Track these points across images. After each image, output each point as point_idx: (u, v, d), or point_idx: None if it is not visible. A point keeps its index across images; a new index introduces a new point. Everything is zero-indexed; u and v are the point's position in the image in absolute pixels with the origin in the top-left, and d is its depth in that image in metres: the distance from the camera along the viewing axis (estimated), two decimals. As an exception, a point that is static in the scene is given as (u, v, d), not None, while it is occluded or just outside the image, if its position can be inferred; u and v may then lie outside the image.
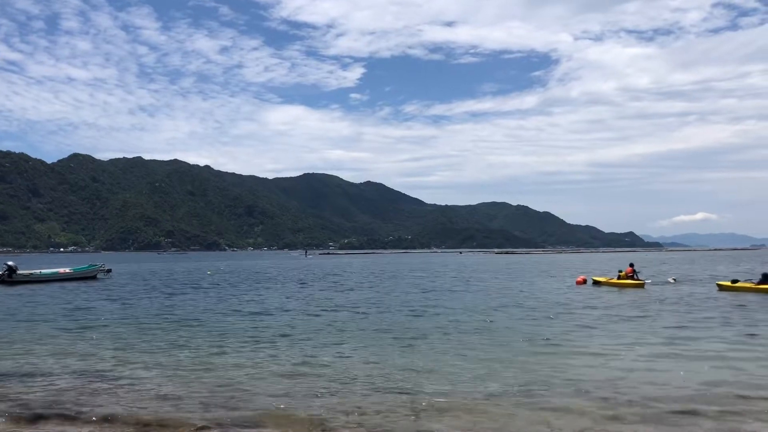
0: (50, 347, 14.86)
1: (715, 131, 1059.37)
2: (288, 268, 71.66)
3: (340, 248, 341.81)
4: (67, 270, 46.50)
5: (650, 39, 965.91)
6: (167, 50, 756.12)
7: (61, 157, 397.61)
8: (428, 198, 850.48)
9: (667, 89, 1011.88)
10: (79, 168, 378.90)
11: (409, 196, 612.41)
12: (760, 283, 28.45)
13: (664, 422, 8.47)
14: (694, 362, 12.38)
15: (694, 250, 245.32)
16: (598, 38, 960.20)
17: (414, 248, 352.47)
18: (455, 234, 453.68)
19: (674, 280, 34.95)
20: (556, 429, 8.26)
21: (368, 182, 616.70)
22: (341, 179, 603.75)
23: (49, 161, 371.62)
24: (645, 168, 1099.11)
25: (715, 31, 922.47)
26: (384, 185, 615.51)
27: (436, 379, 11.07)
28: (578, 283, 35.92)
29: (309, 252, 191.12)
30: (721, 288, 30.02)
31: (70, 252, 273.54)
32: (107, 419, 8.85)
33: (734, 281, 30.41)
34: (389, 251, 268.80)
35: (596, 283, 34.95)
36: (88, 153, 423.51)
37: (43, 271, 45.73)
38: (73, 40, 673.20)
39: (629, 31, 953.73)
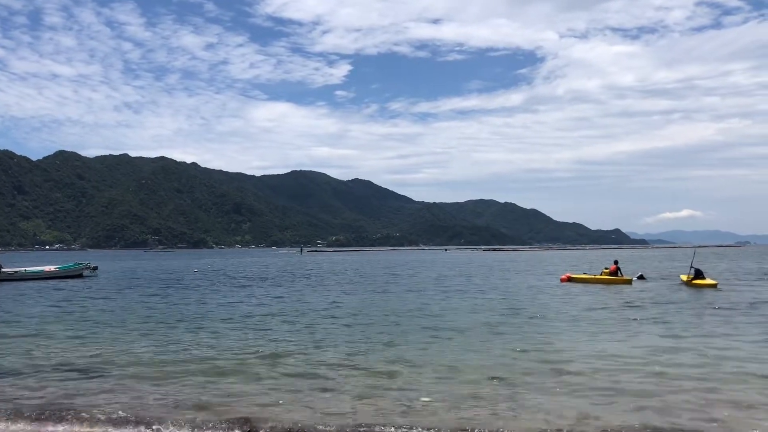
0: (34, 346, 14.90)
1: (699, 129, 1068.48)
2: (287, 266, 71.54)
3: (328, 246, 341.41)
4: (53, 268, 46.24)
5: (635, 37, 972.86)
6: (152, 46, 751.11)
7: (46, 154, 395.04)
8: (416, 195, 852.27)
9: (652, 87, 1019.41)
10: (64, 165, 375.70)
11: (396, 194, 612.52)
12: (694, 278, 31.25)
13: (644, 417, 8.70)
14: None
15: (680, 247, 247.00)
16: (583, 36, 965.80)
17: (402, 245, 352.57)
18: (443, 231, 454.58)
19: (640, 277, 35.63)
20: (544, 423, 8.43)
21: (356, 179, 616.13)
22: (329, 176, 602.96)
23: (34, 158, 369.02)
24: (630, 165, 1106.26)
25: (699, 29, 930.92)
26: (372, 182, 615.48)
27: (422, 376, 11.23)
28: (562, 280, 36.17)
29: (304, 249, 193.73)
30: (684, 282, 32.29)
31: (56, 250, 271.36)
32: (101, 420, 8.96)
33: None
34: (377, 248, 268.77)
35: (580, 280, 35.17)
36: (73, 150, 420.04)
37: (29, 269, 45.49)
38: (57, 36, 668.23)
39: (614, 29, 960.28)
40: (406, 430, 8.24)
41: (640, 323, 17.85)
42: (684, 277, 32.77)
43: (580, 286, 32.68)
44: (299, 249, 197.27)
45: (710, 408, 9.00)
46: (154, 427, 8.51)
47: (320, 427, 8.40)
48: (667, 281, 35.77)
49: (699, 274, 31.43)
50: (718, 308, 21.39)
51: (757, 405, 9.16)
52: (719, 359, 12.45)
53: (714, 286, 30.11)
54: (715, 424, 8.29)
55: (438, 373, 11.41)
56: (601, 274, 34.56)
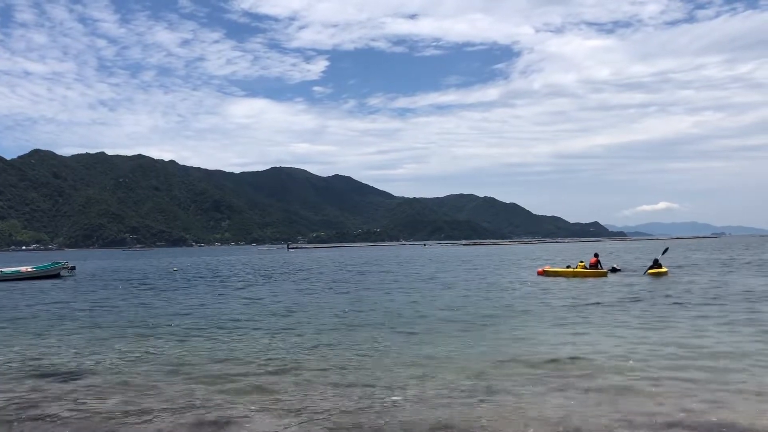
0: (8, 348, 14.81)
1: (674, 122, 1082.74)
2: (281, 263, 71.24)
3: (309, 242, 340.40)
4: (30, 268, 45.75)
5: (610, 31, 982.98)
6: (126, 43, 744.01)
7: (21, 153, 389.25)
8: (396, 191, 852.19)
9: (627, 81, 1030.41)
10: (40, 164, 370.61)
11: (377, 189, 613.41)
12: (651, 267, 34.28)
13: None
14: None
15: (657, 239, 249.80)
16: (559, 30, 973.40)
17: (383, 241, 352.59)
18: (423, 226, 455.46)
19: (614, 269, 36.34)
20: (522, 418, 8.51)
21: (336, 175, 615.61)
22: (309, 173, 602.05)
23: (8, 157, 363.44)
24: (608, 159, 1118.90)
25: (673, 23, 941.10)
26: (352, 178, 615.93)
27: (397, 372, 11.25)
28: (539, 273, 36.53)
29: (291, 246, 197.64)
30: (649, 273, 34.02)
31: (33, 250, 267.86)
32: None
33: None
34: (358, 244, 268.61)
35: (556, 273, 35.48)
36: (48, 149, 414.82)
37: (4, 270, 44.92)
38: (29, 33, 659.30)
39: (589, 24, 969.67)
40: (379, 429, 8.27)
41: (612, 315, 18.03)
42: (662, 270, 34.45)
43: (556, 279, 32.99)
44: (286, 246, 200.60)
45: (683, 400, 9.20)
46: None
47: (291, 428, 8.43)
48: (638, 272, 36.44)
49: (657, 264, 34.43)
50: (682, 302, 21.74)
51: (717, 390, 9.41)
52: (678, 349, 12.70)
53: (665, 273, 33.28)
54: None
55: (408, 371, 11.37)
56: (576, 267, 34.93)
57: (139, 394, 10.21)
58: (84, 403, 9.76)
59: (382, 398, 9.60)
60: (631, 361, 11.69)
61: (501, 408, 8.95)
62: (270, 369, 11.85)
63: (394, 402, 9.38)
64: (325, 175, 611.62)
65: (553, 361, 11.91)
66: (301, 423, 8.53)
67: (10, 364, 12.91)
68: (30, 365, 12.77)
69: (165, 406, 9.46)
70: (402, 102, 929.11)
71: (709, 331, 14.97)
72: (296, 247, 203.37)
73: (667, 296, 23.07)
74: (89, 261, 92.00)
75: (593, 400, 9.20)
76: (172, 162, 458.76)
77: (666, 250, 44.52)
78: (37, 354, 13.99)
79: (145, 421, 8.77)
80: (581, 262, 35.83)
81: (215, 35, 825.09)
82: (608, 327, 16.03)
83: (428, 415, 8.66)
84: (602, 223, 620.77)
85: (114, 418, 8.94)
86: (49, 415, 9.19)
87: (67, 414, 9.23)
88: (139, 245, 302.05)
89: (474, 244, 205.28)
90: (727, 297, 22.44)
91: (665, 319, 17.22)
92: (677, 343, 13.43)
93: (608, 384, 10.09)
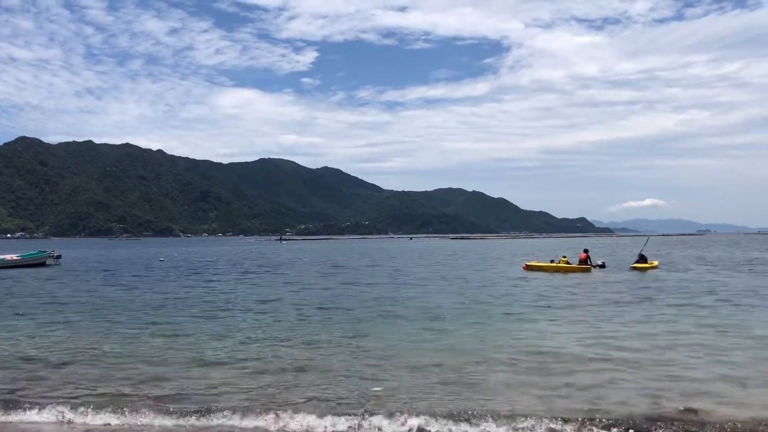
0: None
1: (661, 119, 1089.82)
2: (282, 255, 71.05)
3: (297, 234, 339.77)
4: (15, 257, 45.59)
5: (599, 28, 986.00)
6: (114, 31, 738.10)
7: (6, 140, 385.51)
8: (384, 184, 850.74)
9: (615, 78, 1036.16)
10: (26, 151, 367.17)
11: (366, 182, 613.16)
12: (637, 262, 36.14)
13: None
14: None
15: (643, 236, 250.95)
16: (548, 26, 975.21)
17: (371, 234, 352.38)
18: (412, 220, 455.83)
19: (601, 265, 36.72)
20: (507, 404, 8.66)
21: (325, 167, 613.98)
22: (298, 164, 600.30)
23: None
24: (595, 155, 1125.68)
25: (662, 21, 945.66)
26: (341, 171, 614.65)
27: (383, 367, 11.39)
28: (524, 268, 36.87)
29: (284, 238, 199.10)
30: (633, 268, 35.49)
31: (18, 238, 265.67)
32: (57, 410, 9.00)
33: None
34: (346, 237, 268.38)
35: (539, 268, 35.80)
36: (35, 136, 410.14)
37: (-11, 258, 44.74)
38: (14, 19, 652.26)
39: (579, 20, 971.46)
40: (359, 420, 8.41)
41: (591, 311, 18.26)
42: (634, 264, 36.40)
43: (539, 274, 33.30)
44: (278, 238, 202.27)
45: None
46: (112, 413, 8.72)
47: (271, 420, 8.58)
48: (622, 268, 36.92)
49: (642, 259, 36.24)
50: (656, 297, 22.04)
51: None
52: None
53: (652, 267, 35.65)
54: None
55: (389, 363, 11.51)
56: (559, 262, 35.30)
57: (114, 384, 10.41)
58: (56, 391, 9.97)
59: (363, 390, 9.75)
60: (615, 353, 11.94)
61: (486, 401, 9.11)
62: (248, 362, 11.95)
63: (375, 394, 9.52)
64: (313, 167, 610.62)
65: (533, 355, 12.08)
66: (285, 414, 8.66)
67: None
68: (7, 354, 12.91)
69: (145, 397, 9.64)
70: (391, 95, 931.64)
71: (684, 328, 15.28)
72: (287, 239, 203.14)
73: (646, 296, 23.25)
74: (75, 250, 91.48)
75: (571, 393, 9.44)
76: (159, 151, 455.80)
77: (647, 240, 47.40)
78: (11, 342, 14.11)
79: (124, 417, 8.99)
80: (564, 257, 36.28)
81: (204, 24, 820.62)
82: (586, 324, 16.18)
83: (410, 406, 8.81)
84: (589, 218, 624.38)
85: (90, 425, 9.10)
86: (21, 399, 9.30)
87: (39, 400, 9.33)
88: (125, 235, 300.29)
89: (461, 238, 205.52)
90: (713, 294, 22.86)
91: (644, 315, 17.51)
92: (650, 335, 13.73)
93: (585, 378, 10.33)
